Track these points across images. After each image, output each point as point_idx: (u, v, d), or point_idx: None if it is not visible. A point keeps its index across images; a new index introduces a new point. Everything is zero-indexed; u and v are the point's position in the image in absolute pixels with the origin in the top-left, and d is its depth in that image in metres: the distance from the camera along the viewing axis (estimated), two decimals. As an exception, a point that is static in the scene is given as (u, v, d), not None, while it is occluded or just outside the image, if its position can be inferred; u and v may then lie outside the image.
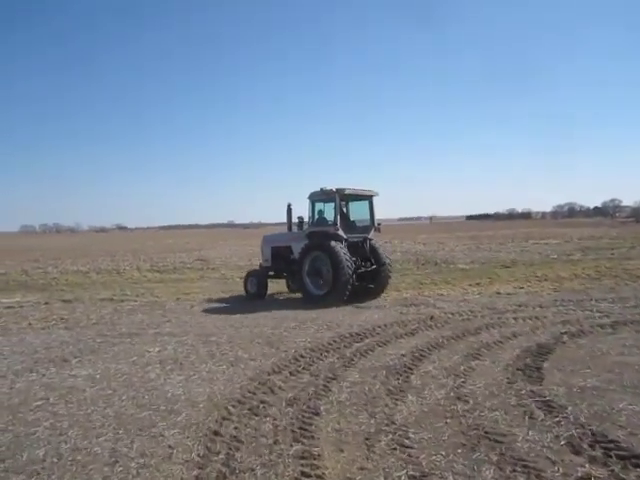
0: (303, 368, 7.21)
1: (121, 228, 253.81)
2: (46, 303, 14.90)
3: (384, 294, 14.32)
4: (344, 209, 14.15)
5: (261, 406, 5.71)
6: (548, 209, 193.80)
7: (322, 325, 10.37)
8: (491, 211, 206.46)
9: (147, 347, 8.78)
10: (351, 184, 13.51)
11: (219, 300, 14.76)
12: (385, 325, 10.21)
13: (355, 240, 13.66)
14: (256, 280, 14.58)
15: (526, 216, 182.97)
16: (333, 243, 12.59)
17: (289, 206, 13.94)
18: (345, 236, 13.21)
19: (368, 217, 14.18)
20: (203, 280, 21.24)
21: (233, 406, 5.72)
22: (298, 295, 14.42)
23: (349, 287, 12.65)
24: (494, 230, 72.43)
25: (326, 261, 12.69)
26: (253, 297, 14.39)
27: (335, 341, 8.88)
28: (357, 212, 14.41)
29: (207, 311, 12.76)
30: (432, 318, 10.84)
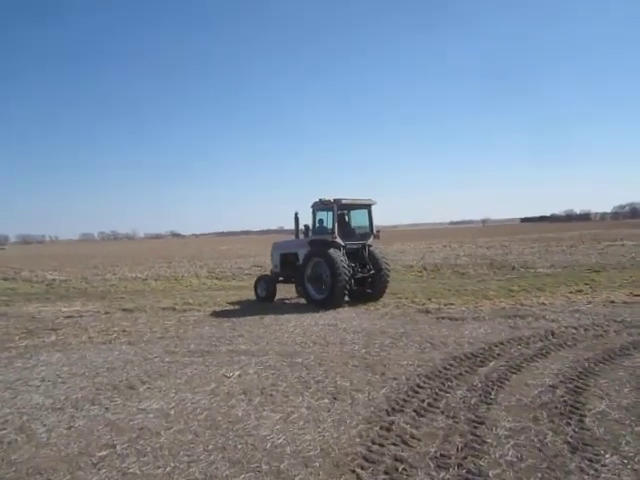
0: (429, 405, 5.59)
1: (175, 235, 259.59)
2: (106, 313, 13.91)
3: (454, 302, 13.01)
4: (346, 217, 14.66)
5: (399, 467, 4.14)
6: (608, 209, 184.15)
7: (423, 343, 8.72)
8: (547, 213, 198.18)
9: (224, 370, 7.37)
10: (353, 194, 14.03)
11: (287, 309, 13.34)
12: (501, 343, 8.45)
13: (354, 247, 14.04)
14: (265, 285, 15.06)
15: (585, 217, 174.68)
16: (331, 250, 13.04)
17: (296, 214, 14.61)
18: (343, 243, 13.60)
19: (367, 224, 14.59)
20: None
21: (360, 466, 4.17)
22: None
23: (346, 292, 13.09)
24: (555, 232, 68.52)
25: (325, 267, 13.11)
26: (263, 301, 14.77)
27: (451, 365, 7.21)
28: (357, 220, 14.85)
29: (279, 323, 11.34)
30: (553, 334, 9.03)
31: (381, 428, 4.96)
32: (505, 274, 20.97)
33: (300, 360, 7.82)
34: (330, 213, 13.75)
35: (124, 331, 10.96)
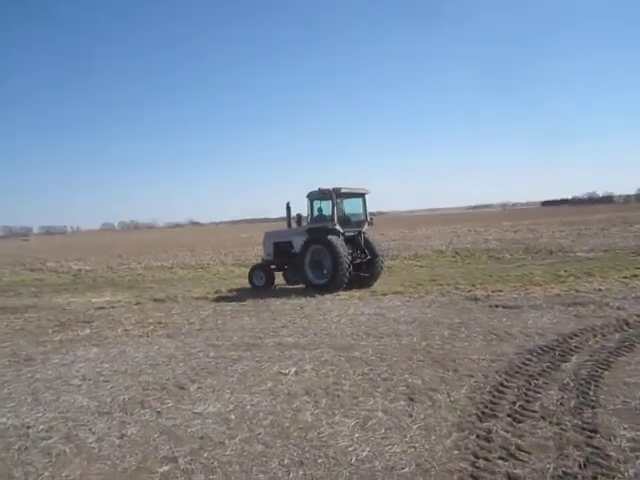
0: (524, 408, 4.90)
1: (194, 223, 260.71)
2: (138, 303, 13.46)
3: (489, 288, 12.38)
4: (341, 206, 14.94)
5: (518, 490, 3.47)
6: (631, 191, 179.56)
7: (486, 334, 8.01)
8: (567, 196, 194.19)
9: (278, 366, 6.77)
10: (347, 183, 14.41)
11: (324, 297, 12.72)
12: (574, 334, 7.71)
13: (351, 234, 14.52)
14: (264, 273, 15.23)
15: (607, 200, 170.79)
16: (331, 237, 13.53)
17: (288, 204, 15.16)
18: (342, 230, 14.04)
19: (362, 212, 15.06)
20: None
21: (470, 488, 3.52)
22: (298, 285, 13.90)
23: (347, 276, 13.51)
24: (579, 215, 66.68)
25: (326, 253, 13.58)
26: (260, 289, 14.74)
27: (529, 359, 6.51)
28: (352, 208, 15.20)
29: (321, 312, 10.72)
30: (628, 324, 8.25)
31: (478, 437, 4.30)
32: (544, 258, 20.11)
33: (357, 354, 7.18)
34: (329, 202, 14.24)
35: (159, 323, 10.46)
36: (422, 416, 4.82)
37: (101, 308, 12.83)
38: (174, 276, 21.08)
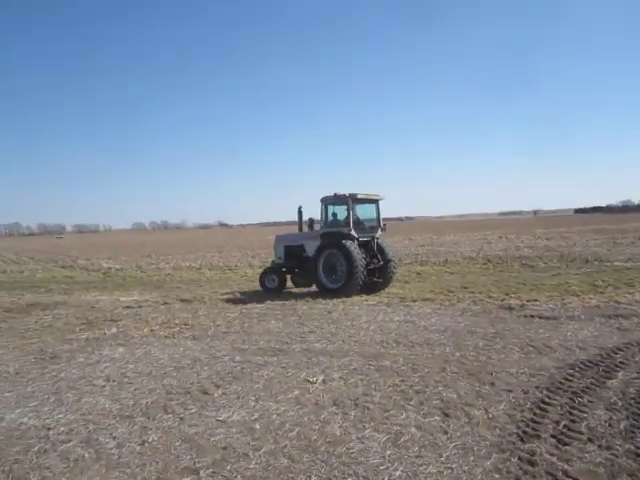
0: (569, 429, 4.55)
1: (222, 225, 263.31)
2: (165, 303, 13.44)
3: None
4: (354, 211, 14.99)
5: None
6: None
7: (524, 346, 7.62)
8: (601, 203, 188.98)
9: (305, 374, 6.54)
10: (360, 189, 14.27)
11: (352, 303, 12.45)
12: (619, 349, 7.26)
13: (365, 239, 14.62)
14: (276, 276, 15.25)
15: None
16: (347, 242, 13.59)
17: (300, 208, 15.23)
18: (357, 236, 14.09)
19: (375, 218, 15.18)
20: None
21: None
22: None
23: (361, 281, 13.58)
24: (614, 224, 64.57)
25: (340, 258, 13.69)
26: (271, 292, 14.72)
27: (571, 375, 6.12)
28: (366, 214, 15.34)
29: (349, 318, 10.47)
30: (677, 339, 7.75)
31: (521, 460, 3.98)
32: (579, 267, 19.39)
33: (388, 363, 6.90)
34: (344, 207, 14.39)
35: (186, 324, 10.35)
36: (458, 434, 4.51)
37: (129, 307, 12.84)
38: (202, 277, 21.09)
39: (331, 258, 14.10)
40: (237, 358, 7.49)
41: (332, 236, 14.12)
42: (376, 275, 14.56)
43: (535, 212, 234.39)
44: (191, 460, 4.16)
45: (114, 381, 6.49)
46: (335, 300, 12.82)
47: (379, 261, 14.68)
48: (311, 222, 15.49)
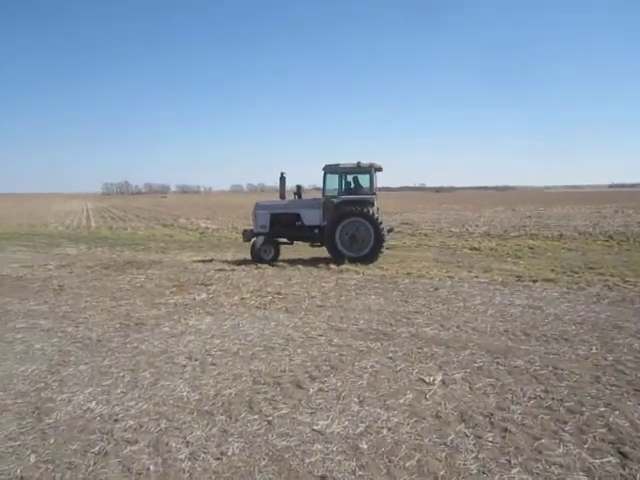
0: None
1: (317, 189, 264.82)
2: (257, 267, 12.78)
3: None
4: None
5: None
6: None
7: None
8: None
9: (417, 369, 5.34)
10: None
11: (460, 279, 10.96)
12: None
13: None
14: (272, 246, 14.43)
15: None
16: (373, 210, 13.83)
17: (282, 175, 14.60)
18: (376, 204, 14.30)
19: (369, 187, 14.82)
20: (422, 249, 17.60)
21: None
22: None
23: (383, 249, 13.86)
24: None
25: (363, 226, 13.74)
26: (266, 262, 13.72)
27: None
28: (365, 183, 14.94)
29: (460, 297, 9.06)
30: None
31: None
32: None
33: (521, 364, 5.51)
34: (366, 176, 14.36)
35: (278, 293, 9.52)
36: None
37: (221, 270, 12.31)
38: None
39: (351, 226, 13.92)
40: (335, 340, 6.45)
41: (353, 204, 13.87)
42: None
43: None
44: (281, 491, 3.15)
45: (196, 360, 5.71)
46: (440, 274, 11.41)
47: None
48: (299, 189, 15.15)
